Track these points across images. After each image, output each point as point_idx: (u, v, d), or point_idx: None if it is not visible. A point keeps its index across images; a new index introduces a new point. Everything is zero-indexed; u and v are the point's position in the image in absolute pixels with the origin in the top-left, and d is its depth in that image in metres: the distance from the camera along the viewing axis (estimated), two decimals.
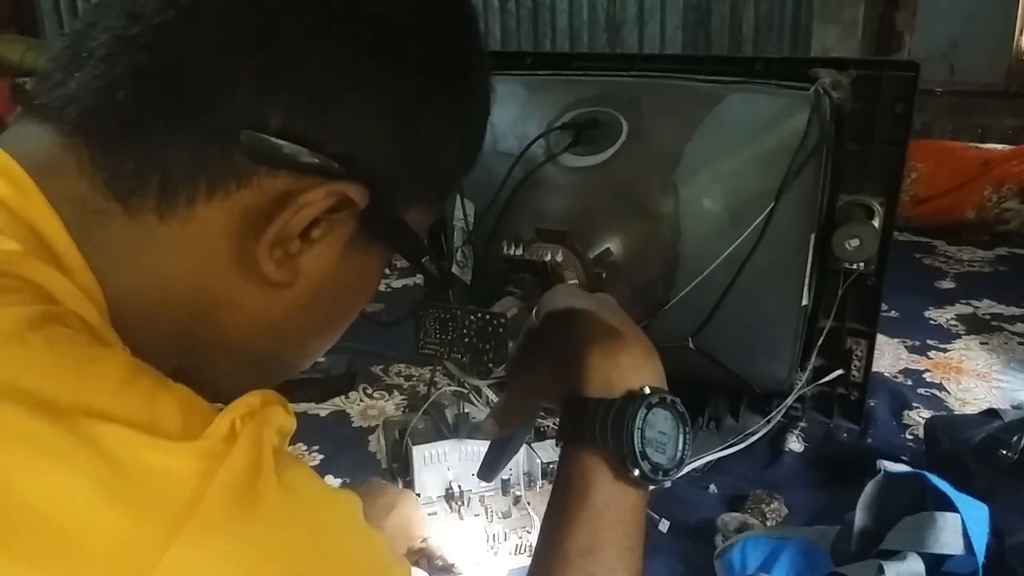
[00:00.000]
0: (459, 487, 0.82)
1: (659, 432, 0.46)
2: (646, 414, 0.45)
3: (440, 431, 0.87)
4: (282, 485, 0.29)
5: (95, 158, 0.33)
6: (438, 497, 0.82)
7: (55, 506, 0.24)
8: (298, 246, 0.36)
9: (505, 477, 0.82)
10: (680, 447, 0.47)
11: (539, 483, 0.84)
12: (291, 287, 0.37)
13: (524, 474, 0.83)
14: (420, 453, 0.83)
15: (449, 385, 0.98)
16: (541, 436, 0.90)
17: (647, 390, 0.46)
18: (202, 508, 0.26)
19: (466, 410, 0.91)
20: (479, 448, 0.85)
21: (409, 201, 0.39)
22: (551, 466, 0.84)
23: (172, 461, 0.26)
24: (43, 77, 0.35)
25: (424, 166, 0.39)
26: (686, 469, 0.76)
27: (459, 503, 0.81)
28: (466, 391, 0.94)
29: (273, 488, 0.28)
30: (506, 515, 0.79)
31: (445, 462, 0.84)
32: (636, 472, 0.44)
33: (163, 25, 0.33)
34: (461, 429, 0.87)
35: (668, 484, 0.56)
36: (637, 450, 0.44)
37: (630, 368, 0.47)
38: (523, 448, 0.85)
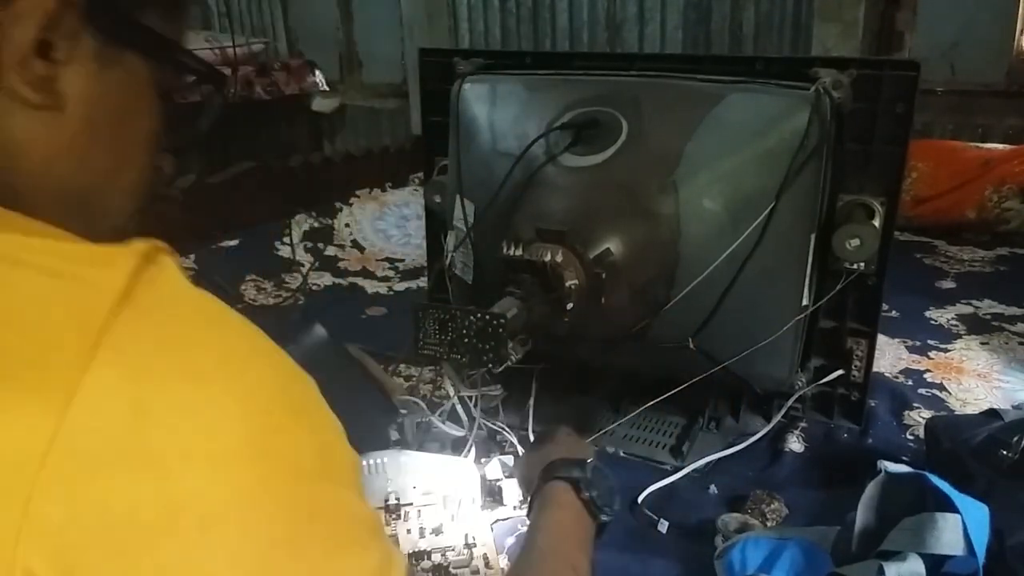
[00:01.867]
0: (397, 499, 0.81)
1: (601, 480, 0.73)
2: (593, 466, 0.74)
3: (387, 440, 0.86)
4: (197, 295, 0.35)
5: None
6: (376, 508, 0.80)
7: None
8: (44, 66, 0.36)
9: (445, 493, 0.82)
10: (614, 494, 0.74)
11: (479, 501, 0.83)
12: (65, 112, 0.38)
13: (465, 491, 0.82)
14: (361, 462, 0.81)
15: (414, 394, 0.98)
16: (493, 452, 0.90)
17: (590, 460, 0.75)
18: (133, 301, 0.31)
19: (425, 419, 0.90)
20: (421, 460, 0.83)
21: (138, 4, 0.40)
22: (497, 483, 0.84)
23: (100, 273, 0.32)
24: None
25: None
26: (687, 470, 0.91)
27: (395, 516, 0.80)
28: (422, 404, 0.95)
29: (194, 294, 0.35)
30: (437, 531, 0.78)
31: (385, 473, 0.82)
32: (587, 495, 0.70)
33: None
34: (414, 439, 0.87)
35: (606, 518, 0.71)
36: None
37: (578, 450, 0.78)
38: (471, 464, 0.85)
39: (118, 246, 0.34)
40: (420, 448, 0.88)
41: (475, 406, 0.89)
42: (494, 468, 0.86)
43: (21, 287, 0.32)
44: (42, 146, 0.38)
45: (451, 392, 0.88)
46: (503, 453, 0.89)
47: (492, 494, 0.84)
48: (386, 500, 0.81)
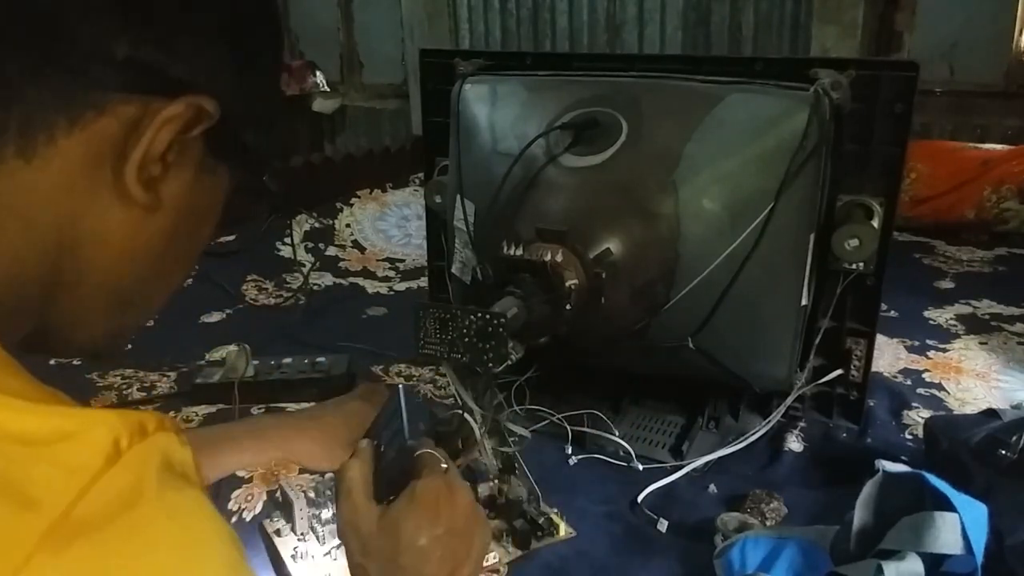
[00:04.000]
0: None
1: None
2: None
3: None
4: (163, 508, 0.29)
5: None
6: None
7: None
8: (160, 168, 0.37)
9: None
10: None
11: None
12: (155, 213, 0.38)
13: None
14: None
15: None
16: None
17: None
18: (72, 519, 0.26)
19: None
20: None
21: (246, 121, 0.41)
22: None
23: (47, 472, 0.27)
24: None
25: (255, 85, 0.41)
26: (686, 469, 0.89)
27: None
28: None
29: (151, 510, 0.28)
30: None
31: None
32: None
33: None
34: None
35: None
36: None
37: None
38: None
39: (92, 428, 0.29)
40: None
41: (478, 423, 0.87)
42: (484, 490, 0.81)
43: None
44: (120, 244, 0.38)
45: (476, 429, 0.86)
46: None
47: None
48: None
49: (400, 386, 0.66)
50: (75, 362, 1.17)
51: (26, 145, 0.34)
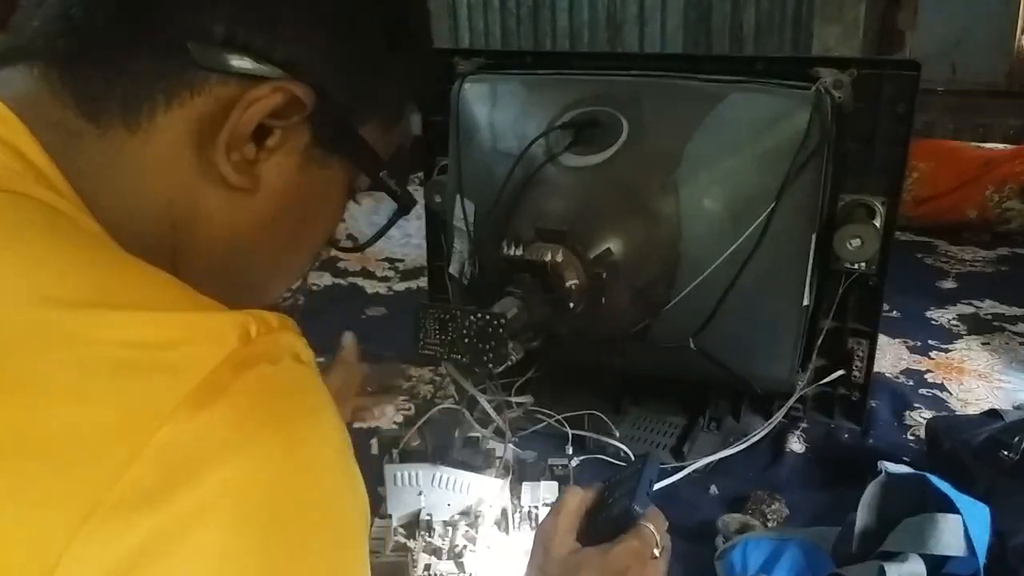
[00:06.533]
0: (429, 515, 0.76)
1: None
2: None
3: (429, 452, 0.80)
4: (294, 376, 0.31)
5: (64, 81, 0.35)
6: (409, 522, 0.77)
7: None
8: (254, 151, 0.37)
9: (479, 515, 0.76)
10: None
11: (512, 526, 0.77)
12: (255, 196, 0.38)
13: (501, 511, 0.77)
14: (391, 473, 0.77)
15: (452, 400, 0.95)
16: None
17: None
18: (213, 383, 0.28)
19: (474, 433, 0.85)
20: (454, 477, 0.77)
21: (362, 115, 0.41)
22: (534, 510, 0.77)
23: (190, 351, 0.29)
24: (14, 28, 0.37)
25: (369, 78, 0.40)
26: (687, 470, 0.88)
27: (424, 532, 0.76)
28: (459, 407, 0.89)
29: (285, 373, 0.31)
30: (460, 554, 0.74)
31: (417, 486, 0.77)
32: None
33: None
34: (455, 455, 0.80)
35: None
36: None
37: None
38: (505, 487, 0.77)
39: (219, 320, 0.31)
40: (461, 463, 0.79)
41: (506, 421, 0.86)
42: (533, 493, 0.78)
43: (82, 378, 0.28)
44: (222, 224, 0.38)
45: (487, 408, 0.85)
46: (552, 477, 0.81)
47: (531, 520, 0.77)
48: (419, 516, 0.77)
49: (648, 454, 0.66)
50: None
51: (129, 116, 0.35)
